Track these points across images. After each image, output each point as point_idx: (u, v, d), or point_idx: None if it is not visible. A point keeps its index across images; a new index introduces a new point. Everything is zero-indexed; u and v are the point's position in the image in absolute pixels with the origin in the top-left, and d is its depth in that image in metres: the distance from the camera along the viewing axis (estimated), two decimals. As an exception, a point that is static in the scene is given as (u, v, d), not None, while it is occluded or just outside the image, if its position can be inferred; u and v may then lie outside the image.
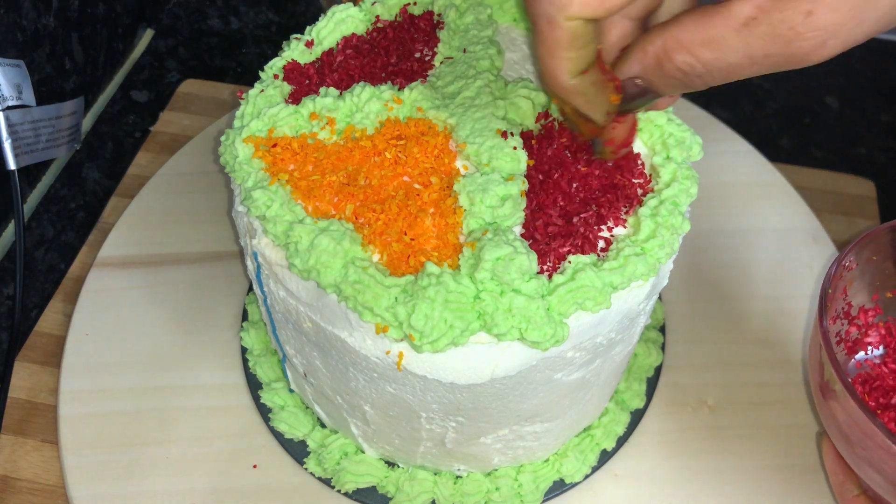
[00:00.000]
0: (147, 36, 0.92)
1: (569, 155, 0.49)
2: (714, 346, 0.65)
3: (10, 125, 0.64)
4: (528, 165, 0.48)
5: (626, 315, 0.46)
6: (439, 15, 0.57)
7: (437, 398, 0.47)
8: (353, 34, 0.56)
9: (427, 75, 0.53)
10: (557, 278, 0.43)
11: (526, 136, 0.50)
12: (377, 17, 0.57)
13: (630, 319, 0.48)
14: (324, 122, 0.50)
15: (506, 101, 0.51)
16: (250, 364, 0.63)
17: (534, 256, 0.43)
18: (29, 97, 0.67)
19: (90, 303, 0.66)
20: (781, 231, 0.72)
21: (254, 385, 0.62)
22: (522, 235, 0.46)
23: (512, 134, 0.49)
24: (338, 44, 0.56)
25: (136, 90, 0.87)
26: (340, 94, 0.51)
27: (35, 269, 0.72)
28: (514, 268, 0.42)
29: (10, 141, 0.64)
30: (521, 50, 0.57)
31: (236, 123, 0.50)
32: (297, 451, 0.59)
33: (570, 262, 0.44)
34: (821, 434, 0.59)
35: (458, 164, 0.49)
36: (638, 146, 0.51)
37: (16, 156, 0.64)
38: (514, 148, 0.48)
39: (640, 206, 0.47)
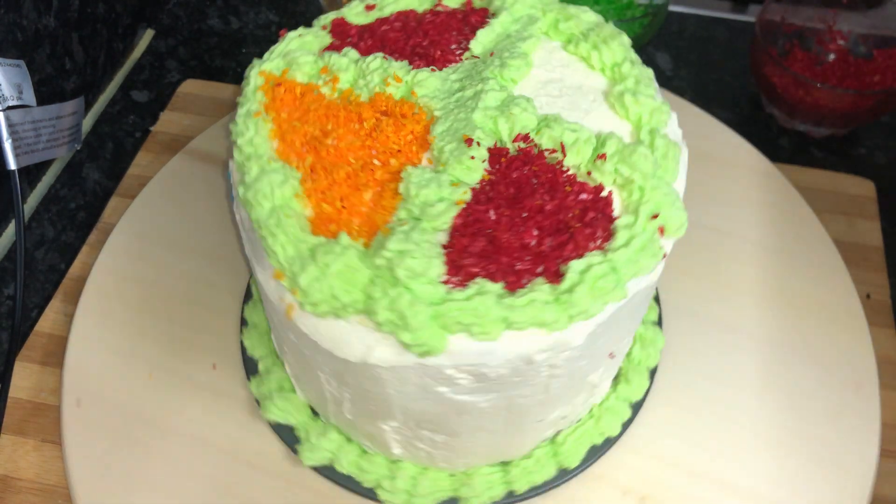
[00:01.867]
0: (147, 36, 0.92)
1: (535, 182, 0.47)
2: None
3: (10, 125, 0.64)
4: (484, 179, 0.47)
5: (520, 357, 0.43)
6: (493, 14, 0.57)
7: (326, 361, 0.47)
8: (412, 10, 0.57)
9: (447, 65, 0.54)
10: (457, 293, 0.42)
11: (499, 153, 0.49)
12: (439, 1, 0.58)
13: (527, 364, 0.44)
14: (329, 78, 0.52)
15: (494, 112, 0.50)
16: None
17: (438, 263, 0.42)
18: (29, 97, 0.67)
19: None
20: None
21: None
22: (451, 244, 0.44)
23: (479, 144, 0.48)
24: (392, 15, 0.57)
25: (136, 90, 0.87)
26: (359, 58, 0.53)
27: (35, 269, 0.72)
28: (410, 264, 0.41)
29: (10, 141, 0.64)
30: (554, 72, 0.54)
31: (265, 56, 0.54)
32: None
33: (478, 283, 0.43)
34: None
35: (425, 156, 0.49)
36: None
37: (16, 156, 0.64)
38: (472, 158, 0.47)
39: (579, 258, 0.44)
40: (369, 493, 0.57)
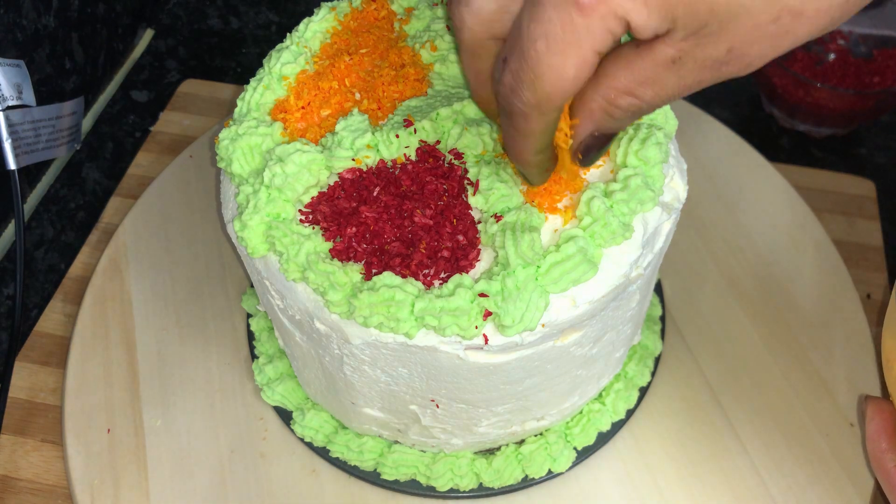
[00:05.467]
0: (147, 36, 0.92)
1: (436, 196, 0.46)
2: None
3: (10, 125, 0.64)
4: (399, 161, 0.47)
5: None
6: None
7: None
8: None
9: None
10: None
11: (431, 152, 0.48)
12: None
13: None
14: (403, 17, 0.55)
15: (463, 118, 0.48)
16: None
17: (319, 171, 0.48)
18: (29, 97, 0.67)
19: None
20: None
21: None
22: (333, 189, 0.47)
23: (415, 131, 0.47)
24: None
25: (136, 90, 0.87)
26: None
27: (35, 269, 0.72)
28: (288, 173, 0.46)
29: (10, 141, 0.64)
30: None
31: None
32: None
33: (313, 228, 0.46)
34: (864, 399, 0.55)
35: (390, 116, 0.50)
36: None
37: (16, 156, 0.64)
38: (397, 136, 0.47)
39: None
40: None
